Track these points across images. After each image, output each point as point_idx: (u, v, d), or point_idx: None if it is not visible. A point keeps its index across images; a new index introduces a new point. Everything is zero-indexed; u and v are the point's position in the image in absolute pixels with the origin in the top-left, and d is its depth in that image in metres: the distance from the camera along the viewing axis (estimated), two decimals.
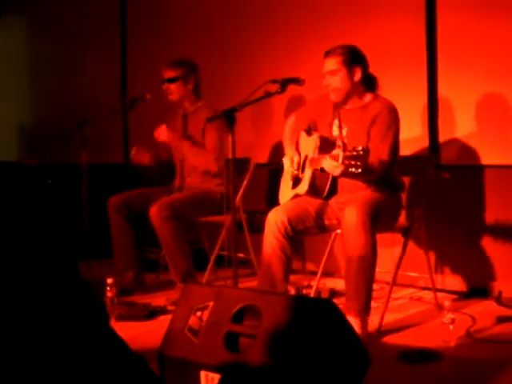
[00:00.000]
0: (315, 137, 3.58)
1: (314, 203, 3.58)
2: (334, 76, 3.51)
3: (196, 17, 5.52)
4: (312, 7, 4.77)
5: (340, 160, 3.06)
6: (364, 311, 3.31)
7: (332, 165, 3.16)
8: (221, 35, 5.31)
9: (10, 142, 7.10)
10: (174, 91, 4.34)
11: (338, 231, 3.62)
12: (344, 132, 3.58)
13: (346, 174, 3.12)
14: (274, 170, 4.45)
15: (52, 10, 6.84)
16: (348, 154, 3.03)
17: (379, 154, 3.36)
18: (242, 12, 5.18)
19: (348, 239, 3.30)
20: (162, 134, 4.27)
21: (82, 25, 6.46)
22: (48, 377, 1.27)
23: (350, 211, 3.31)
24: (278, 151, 4.24)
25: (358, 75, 3.51)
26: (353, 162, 2.99)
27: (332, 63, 3.50)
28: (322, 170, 3.36)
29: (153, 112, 4.48)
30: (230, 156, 3.40)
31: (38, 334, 1.27)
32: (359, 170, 2.99)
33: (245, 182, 4.38)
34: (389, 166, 3.44)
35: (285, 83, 3.42)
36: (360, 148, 3.00)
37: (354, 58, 3.50)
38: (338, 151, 3.17)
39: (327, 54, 3.53)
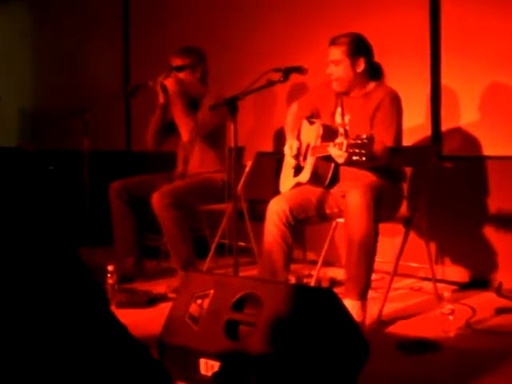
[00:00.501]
0: (318, 125, 3.57)
1: (316, 192, 3.57)
2: (337, 66, 3.50)
3: (199, 4, 5.50)
4: None
5: (344, 148, 3.06)
6: (363, 294, 3.31)
7: (336, 153, 3.16)
8: (224, 23, 5.29)
9: (10, 127, 7.10)
10: (182, 79, 4.31)
11: (339, 220, 3.62)
12: (346, 119, 3.57)
13: (349, 162, 3.12)
14: (277, 159, 4.44)
15: None
16: (352, 142, 3.02)
17: (383, 140, 3.35)
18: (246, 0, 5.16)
19: (351, 222, 3.29)
20: (171, 81, 4.25)
21: (84, 11, 6.44)
22: (48, 363, 1.27)
23: (353, 194, 3.30)
24: (280, 140, 4.23)
25: (361, 66, 3.50)
26: (357, 150, 2.99)
27: (336, 53, 3.49)
28: (326, 157, 3.36)
29: (155, 99, 4.47)
30: (232, 144, 3.40)
31: (38, 319, 1.27)
32: (363, 159, 2.99)
33: (246, 171, 4.38)
34: (393, 153, 3.43)
35: (287, 72, 3.41)
36: (364, 136, 2.99)
37: (358, 48, 3.49)
38: (341, 139, 3.16)
39: (332, 42, 3.51)
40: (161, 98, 4.34)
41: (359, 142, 2.99)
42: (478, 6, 3.99)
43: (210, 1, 5.42)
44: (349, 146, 3.03)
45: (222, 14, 5.32)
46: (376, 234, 3.31)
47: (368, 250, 3.29)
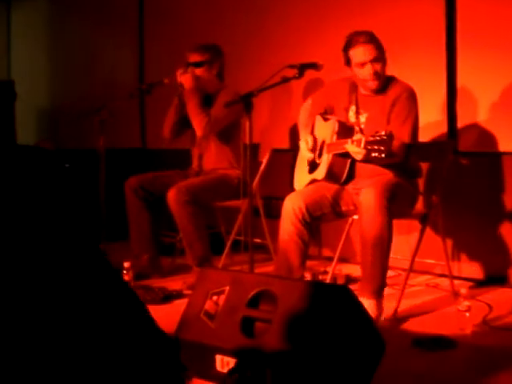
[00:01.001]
0: (333, 121, 3.56)
1: (331, 189, 3.56)
2: (379, 63, 3.44)
3: (214, 1, 5.50)
4: None
5: (362, 145, 3.05)
6: (378, 293, 3.30)
7: (354, 150, 3.15)
8: (239, 18, 5.28)
9: (28, 126, 7.14)
10: (199, 75, 4.31)
11: (355, 217, 3.61)
12: (363, 118, 3.56)
13: (368, 159, 3.11)
14: (293, 155, 4.44)
15: None
16: (371, 138, 3.01)
17: (401, 136, 3.34)
18: None
19: (365, 221, 3.28)
20: (188, 77, 4.25)
21: (100, 10, 6.46)
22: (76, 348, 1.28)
23: (367, 192, 3.29)
24: (296, 136, 4.22)
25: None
26: (376, 147, 2.98)
27: (374, 50, 3.42)
28: (343, 154, 3.35)
29: (170, 97, 4.48)
30: (247, 141, 3.40)
31: (64, 316, 1.29)
32: (382, 155, 2.98)
33: (262, 167, 4.37)
34: (409, 149, 3.41)
35: (302, 68, 3.40)
36: (383, 133, 2.98)
37: (381, 43, 3.48)
38: (359, 136, 3.16)
39: (361, 40, 3.41)
40: (179, 91, 4.36)
41: (378, 138, 2.98)
42: (495, 0, 3.96)
43: None
44: (367, 142, 3.02)
45: (238, 10, 5.31)
46: (390, 232, 3.28)
47: (382, 249, 3.27)
